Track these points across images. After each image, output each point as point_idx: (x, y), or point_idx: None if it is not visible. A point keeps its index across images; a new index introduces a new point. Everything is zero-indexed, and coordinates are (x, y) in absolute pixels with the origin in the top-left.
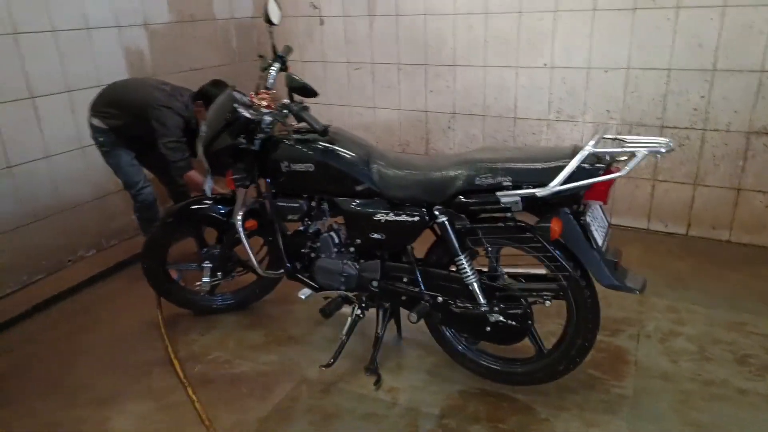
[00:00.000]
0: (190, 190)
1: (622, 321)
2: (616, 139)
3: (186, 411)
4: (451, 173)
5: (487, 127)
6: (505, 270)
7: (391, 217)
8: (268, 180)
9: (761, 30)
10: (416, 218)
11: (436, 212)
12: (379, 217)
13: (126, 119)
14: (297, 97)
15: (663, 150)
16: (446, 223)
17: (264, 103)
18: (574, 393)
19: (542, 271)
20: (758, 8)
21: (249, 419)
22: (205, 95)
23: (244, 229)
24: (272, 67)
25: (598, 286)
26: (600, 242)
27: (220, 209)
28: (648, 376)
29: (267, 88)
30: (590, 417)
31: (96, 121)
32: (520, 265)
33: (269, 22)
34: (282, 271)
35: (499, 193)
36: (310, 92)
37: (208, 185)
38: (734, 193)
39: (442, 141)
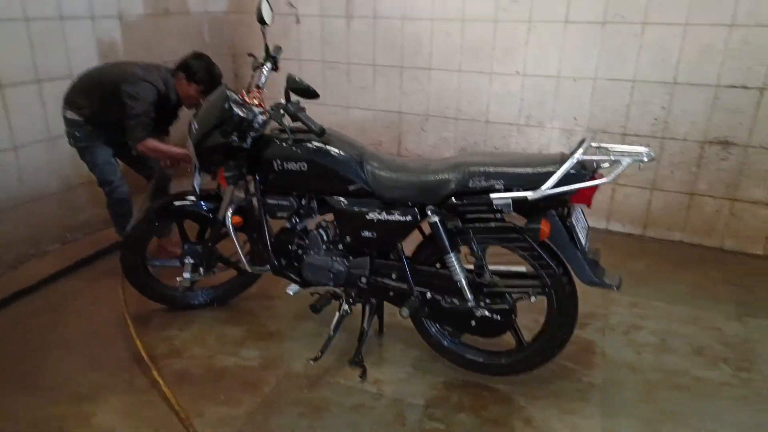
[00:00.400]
0: (153, 159)
1: (588, 315)
2: (600, 147)
3: (170, 405)
4: (445, 176)
5: (459, 129)
6: (491, 267)
7: (384, 216)
8: (257, 177)
9: (718, 48)
10: (408, 218)
11: (429, 212)
12: (371, 216)
13: (100, 104)
14: (294, 97)
15: (645, 159)
16: (438, 222)
17: (255, 101)
18: (549, 382)
19: (524, 269)
20: (717, 27)
21: (236, 413)
22: (187, 67)
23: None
24: (264, 67)
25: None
26: (583, 242)
27: (204, 206)
28: (615, 366)
29: (258, 87)
30: (565, 405)
31: (70, 114)
32: (502, 263)
33: (262, 21)
34: (268, 267)
35: (492, 195)
36: (312, 94)
37: (197, 182)
38: (688, 198)
39: (415, 142)
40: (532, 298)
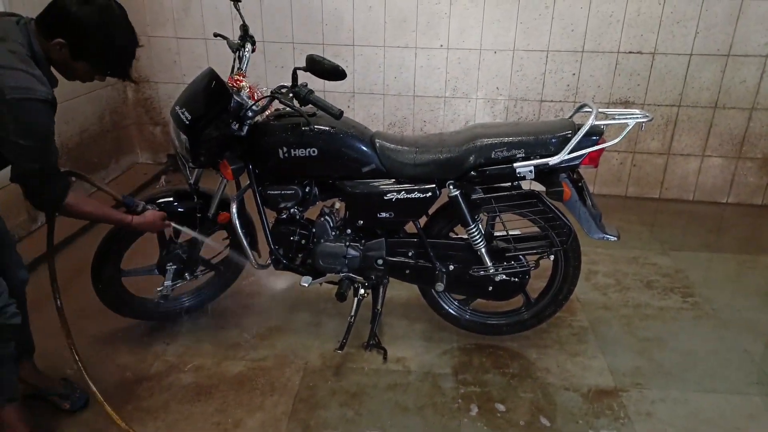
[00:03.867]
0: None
1: (548, 266)
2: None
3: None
4: (466, 150)
5: (387, 105)
6: (508, 233)
7: (403, 195)
8: (251, 168)
9: (618, 18)
10: (429, 194)
11: (450, 187)
12: (390, 196)
13: None
14: (300, 80)
15: (645, 121)
16: (459, 196)
17: (244, 86)
18: (548, 332)
19: (533, 231)
20: (616, 0)
21: (276, 416)
22: (73, 29)
23: (231, 223)
24: (246, 48)
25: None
26: (590, 201)
27: (180, 205)
28: (593, 308)
29: (241, 71)
30: (570, 348)
31: None
32: (515, 227)
33: None
34: (269, 262)
35: (516, 164)
36: (340, 74)
37: (192, 178)
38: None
39: None
40: (551, 257)
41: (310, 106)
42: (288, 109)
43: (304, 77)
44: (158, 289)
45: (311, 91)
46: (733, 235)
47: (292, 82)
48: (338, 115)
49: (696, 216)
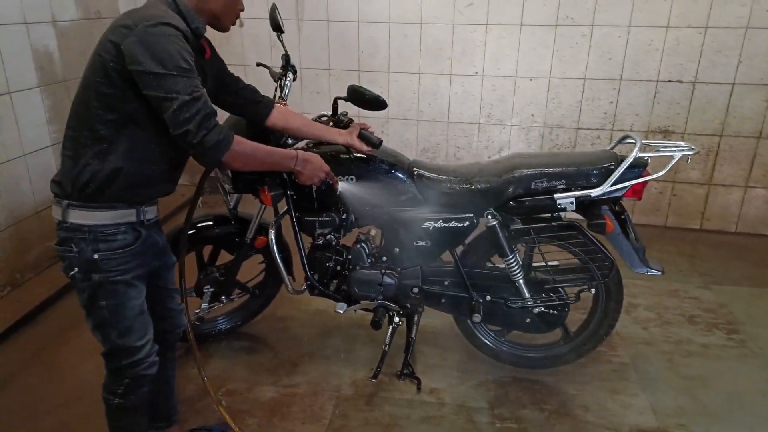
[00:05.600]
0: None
1: (588, 299)
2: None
3: None
4: (505, 180)
5: (421, 131)
6: (547, 265)
7: (440, 224)
8: (289, 194)
9: (657, 47)
10: (466, 224)
11: (489, 216)
12: (427, 224)
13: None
14: (341, 109)
15: (691, 153)
16: (497, 226)
17: None
18: (587, 367)
19: (573, 262)
20: (655, 29)
21: None
22: None
23: (269, 248)
24: (287, 77)
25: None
26: (632, 234)
27: (219, 229)
28: (633, 343)
29: (282, 99)
30: (610, 386)
31: (65, 213)
32: (554, 259)
33: (278, 29)
34: (304, 287)
35: (557, 195)
36: (380, 104)
37: (233, 203)
38: None
39: None
40: (592, 290)
41: None
42: None
43: (344, 106)
44: (196, 311)
45: (351, 120)
46: None
47: (333, 110)
48: (378, 144)
49: (739, 248)
